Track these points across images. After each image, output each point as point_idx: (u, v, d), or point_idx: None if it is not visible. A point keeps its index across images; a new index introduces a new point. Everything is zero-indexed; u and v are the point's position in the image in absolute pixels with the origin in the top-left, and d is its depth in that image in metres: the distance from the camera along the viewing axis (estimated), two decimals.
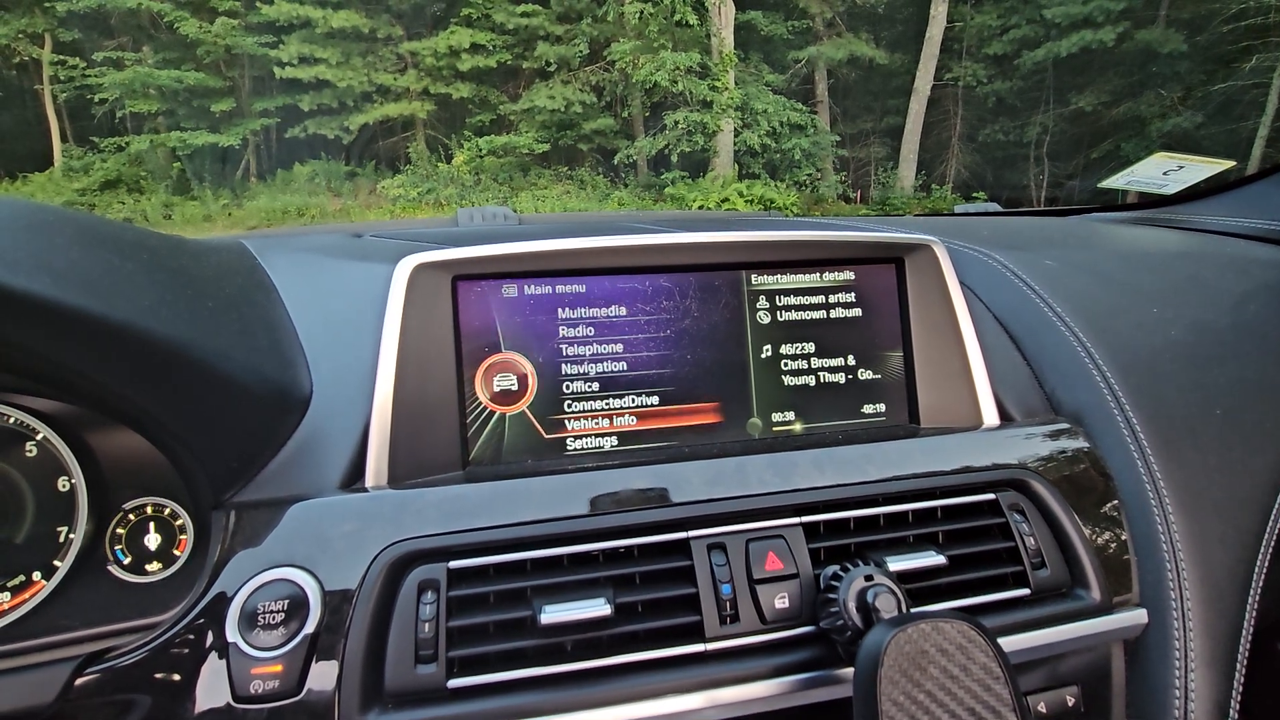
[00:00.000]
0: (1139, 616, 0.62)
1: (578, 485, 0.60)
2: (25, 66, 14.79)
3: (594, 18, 14.42)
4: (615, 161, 14.89)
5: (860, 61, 16.53)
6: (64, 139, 15.04)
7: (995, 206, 1.49)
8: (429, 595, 0.53)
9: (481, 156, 14.42)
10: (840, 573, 0.54)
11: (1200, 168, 1.19)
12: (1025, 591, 0.61)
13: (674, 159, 14.03)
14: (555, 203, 13.59)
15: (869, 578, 0.52)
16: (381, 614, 0.52)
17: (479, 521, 0.56)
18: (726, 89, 13.69)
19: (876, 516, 0.62)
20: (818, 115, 16.00)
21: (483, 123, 15.51)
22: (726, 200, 13.02)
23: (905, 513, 0.63)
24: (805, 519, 0.60)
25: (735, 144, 14.23)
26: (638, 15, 13.03)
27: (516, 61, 15.13)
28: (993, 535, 0.63)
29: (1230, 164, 1.16)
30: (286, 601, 0.51)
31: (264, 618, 0.50)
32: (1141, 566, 0.63)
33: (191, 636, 0.51)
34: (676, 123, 13.64)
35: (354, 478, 0.60)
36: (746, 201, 13.05)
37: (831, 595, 0.53)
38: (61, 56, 14.11)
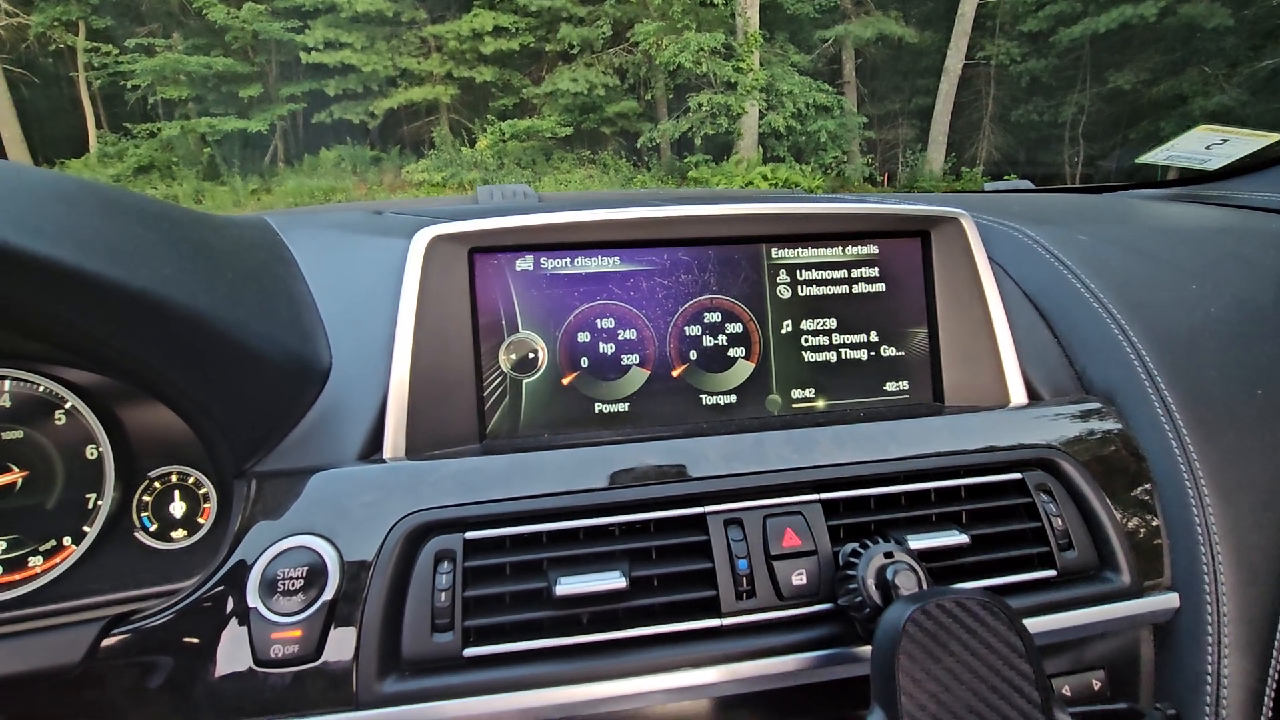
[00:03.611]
0: (1170, 600, 0.60)
1: (594, 459, 0.59)
2: (61, 54, 15.07)
3: None
4: (638, 145, 14.77)
5: (889, 40, 16.12)
6: (99, 125, 15.34)
7: (1027, 184, 1.45)
8: (445, 565, 0.54)
9: (505, 140, 14.40)
10: (859, 550, 0.53)
11: (1245, 141, 1.13)
12: (1051, 573, 0.59)
13: (698, 142, 13.87)
14: (578, 186, 13.56)
15: (889, 555, 0.51)
16: (399, 583, 0.53)
17: (495, 493, 0.56)
18: (751, 70, 13.47)
19: (897, 495, 0.61)
20: (844, 96, 15.66)
21: (506, 106, 15.48)
22: (750, 184, 12.87)
23: (927, 491, 0.61)
24: (824, 496, 0.60)
25: (760, 126, 14.02)
26: None
27: (539, 44, 15.04)
28: (1018, 515, 0.62)
29: (1276, 137, 1.11)
30: (306, 569, 0.51)
31: (284, 584, 0.51)
32: (1174, 550, 0.61)
33: (213, 602, 0.52)
34: (700, 105, 13.48)
35: (372, 449, 0.61)
36: (771, 184, 12.88)
37: (850, 572, 0.52)
38: (95, 44, 14.34)
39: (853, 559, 0.53)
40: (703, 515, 0.58)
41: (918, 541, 0.57)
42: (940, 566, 0.58)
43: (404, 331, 0.62)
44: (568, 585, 0.52)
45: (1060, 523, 0.61)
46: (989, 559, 0.59)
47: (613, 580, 0.53)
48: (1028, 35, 15.47)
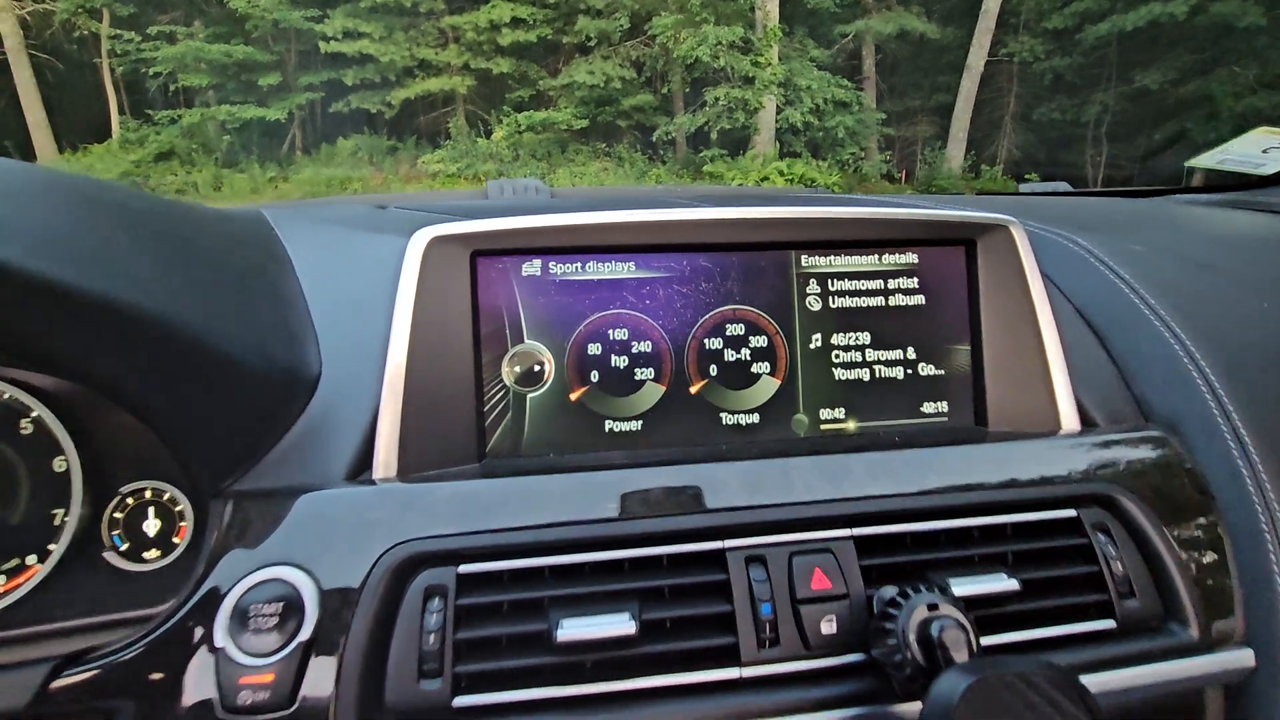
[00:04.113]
0: (1244, 658, 0.53)
1: (603, 485, 0.54)
2: (85, 40, 15.22)
3: None
4: (654, 138, 14.69)
5: (910, 36, 15.91)
6: (121, 111, 15.49)
7: (1064, 186, 1.37)
8: (436, 602, 0.48)
9: (520, 132, 14.38)
10: (899, 598, 0.47)
11: None
12: (1110, 624, 0.53)
13: (714, 136, 13.78)
14: (593, 179, 13.51)
15: (933, 606, 0.45)
16: (384, 621, 0.48)
17: (493, 521, 0.51)
18: (770, 65, 13.34)
19: (938, 532, 0.55)
20: (864, 92, 15.50)
21: (522, 98, 15.47)
22: (766, 179, 12.75)
23: (971, 528, 0.55)
24: (857, 531, 0.54)
25: (777, 121, 13.90)
26: None
27: (557, 36, 15.01)
28: (1073, 558, 0.55)
29: None
30: (281, 605, 0.46)
31: (256, 621, 0.46)
32: (1249, 600, 0.55)
33: (179, 637, 0.47)
34: (717, 99, 13.37)
35: (361, 467, 0.56)
36: (787, 180, 12.76)
37: (888, 625, 0.46)
38: (118, 30, 14.47)
39: (891, 609, 0.47)
40: (722, 550, 0.52)
41: (962, 586, 0.51)
42: (986, 615, 0.52)
43: (398, 340, 0.57)
44: (571, 629, 0.47)
45: (1120, 567, 0.55)
46: (1040, 607, 0.53)
47: (621, 625, 0.48)
48: (1052, 32, 15.21)
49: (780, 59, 13.85)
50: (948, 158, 15.41)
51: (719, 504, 0.54)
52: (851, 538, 0.54)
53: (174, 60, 14.23)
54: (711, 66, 13.17)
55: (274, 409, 0.55)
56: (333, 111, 15.49)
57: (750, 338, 0.64)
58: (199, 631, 0.47)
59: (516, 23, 14.55)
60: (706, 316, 0.63)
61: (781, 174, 13.04)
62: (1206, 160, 1.16)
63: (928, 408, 0.66)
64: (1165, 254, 0.75)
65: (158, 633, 0.47)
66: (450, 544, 0.50)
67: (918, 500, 0.56)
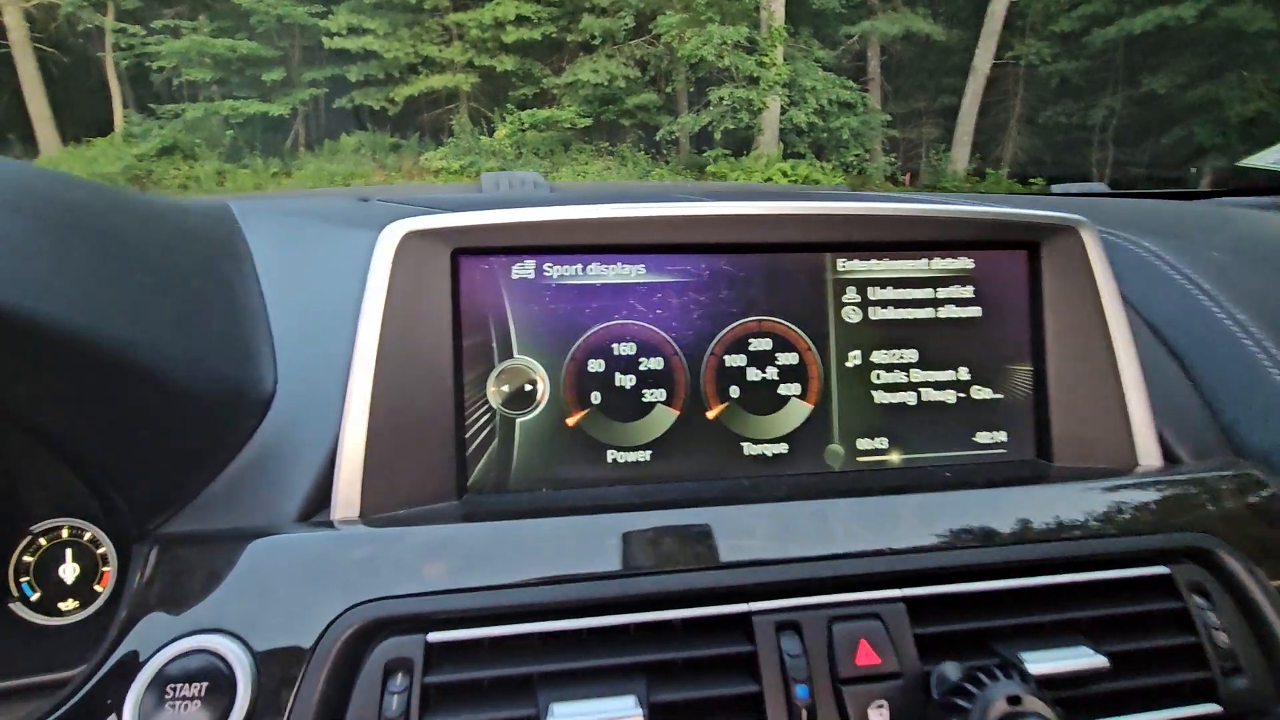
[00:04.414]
0: None
1: (603, 531, 0.45)
2: (89, 34, 15.18)
3: None
4: (657, 138, 14.62)
5: (916, 37, 15.85)
6: (125, 105, 15.44)
7: (1100, 186, 1.28)
8: (399, 679, 0.40)
9: (524, 130, 14.31)
10: (969, 684, 0.38)
11: None
12: (1214, 708, 0.44)
13: (717, 136, 13.70)
14: (596, 178, 13.44)
15: (1014, 699, 0.36)
16: (333, 703, 0.39)
17: (472, 576, 0.42)
18: (774, 65, 13.28)
19: (1005, 593, 0.46)
20: (868, 93, 15.44)
21: (525, 96, 15.43)
22: (769, 179, 12.67)
23: (1043, 588, 0.46)
24: (910, 592, 0.45)
25: (781, 122, 13.83)
26: None
27: (561, 34, 14.96)
28: (1164, 625, 0.46)
29: None
30: (206, 685, 0.37)
31: (176, 704, 0.37)
32: None
33: (86, 713, 0.38)
34: (722, 99, 13.31)
35: (318, 505, 0.47)
36: (790, 181, 12.67)
37: (957, 718, 0.37)
38: (122, 24, 14.43)
39: (960, 699, 0.38)
40: (747, 614, 0.43)
41: (1040, 662, 0.42)
42: (1067, 696, 0.43)
43: (364, 354, 0.48)
44: (564, 716, 0.38)
45: (1224, 638, 0.46)
46: (1128, 687, 0.44)
47: (625, 710, 0.39)
48: (1059, 35, 15.15)
49: (785, 59, 13.79)
50: (952, 160, 15.32)
51: (743, 555, 0.45)
52: (903, 599, 0.45)
53: (178, 54, 14.21)
54: (716, 66, 13.11)
55: (215, 435, 0.46)
56: (336, 107, 15.46)
57: (778, 354, 0.55)
58: (108, 707, 0.38)
59: (521, 20, 14.52)
60: (727, 329, 0.55)
61: (785, 175, 12.97)
62: (1261, 160, 1.07)
63: (983, 438, 0.57)
64: (1245, 262, 0.66)
65: (66, 706, 0.39)
66: (418, 605, 0.41)
67: (979, 554, 0.47)
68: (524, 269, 0.52)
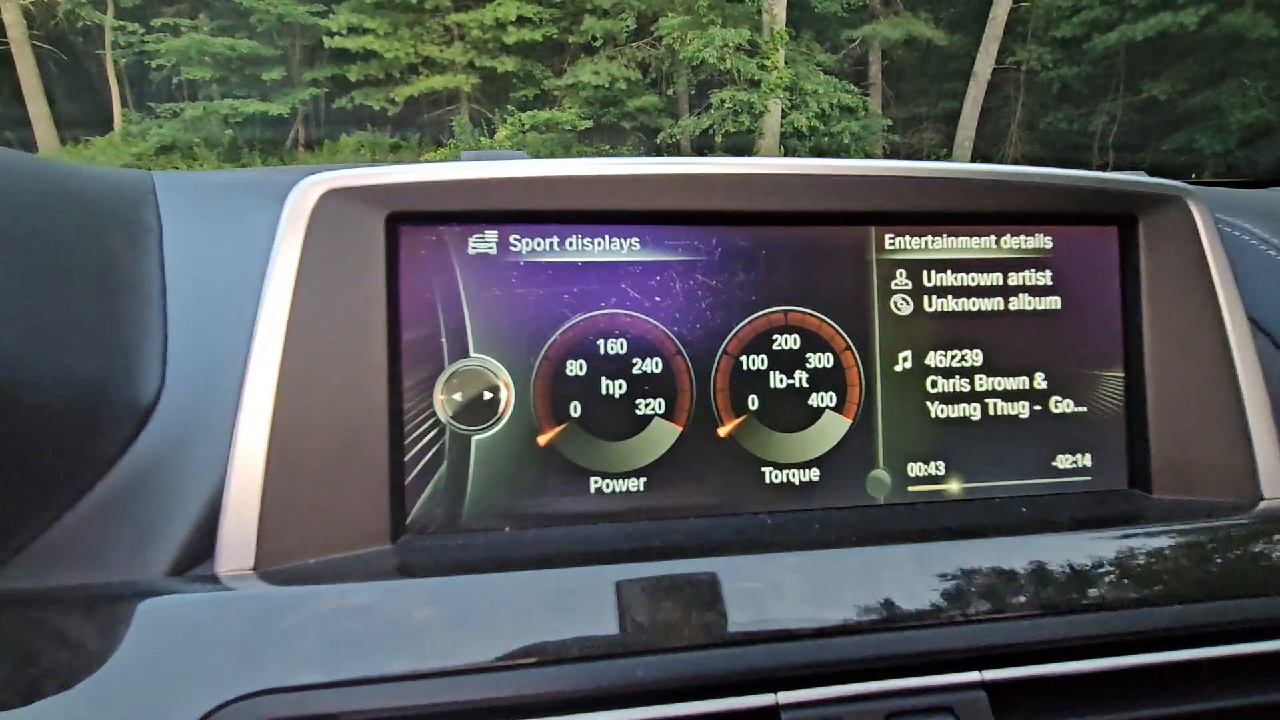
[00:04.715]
0: None
1: (583, 589, 0.33)
2: (89, 31, 15.14)
3: None
4: (658, 140, 14.59)
5: (917, 42, 15.87)
6: (124, 104, 15.40)
7: (1141, 176, 1.17)
8: None
9: (524, 132, 14.27)
10: None
11: None
12: None
13: (718, 139, 13.69)
14: None
15: None
16: None
17: (404, 659, 0.31)
18: (776, 68, 13.26)
19: (1116, 674, 0.34)
20: (870, 98, 15.48)
21: (526, 97, 15.44)
22: None
23: (1163, 668, 0.35)
24: (990, 675, 0.33)
25: (782, 125, 13.83)
26: None
27: (562, 36, 14.99)
28: None
29: None
30: None
31: None
32: None
33: None
34: (723, 101, 13.29)
35: (200, 554, 0.35)
36: None
37: None
38: (122, 22, 14.39)
39: None
40: (774, 708, 0.32)
41: None
42: None
43: (265, 352, 0.36)
44: None
45: None
46: None
47: None
48: (1060, 41, 15.19)
49: (786, 63, 13.80)
50: None
51: (766, 624, 0.33)
52: (982, 685, 0.33)
53: (178, 53, 14.21)
54: (717, 69, 13.11)
55: (62, 459, 0.35)
56: (336, 107, 15.44)
57: (808, 355, 0.43)
58: None
59: (522, 21, 14.54)
60: (744, 323, 0.43)
61: None
62: None
63: (1063, 462, 0.45)
64: None
65: None
66: (326, 701, 0.30)
67: (1075, 622, 0.35)
68: (483, 242, 0.40)
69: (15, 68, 13.76)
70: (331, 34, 14.44)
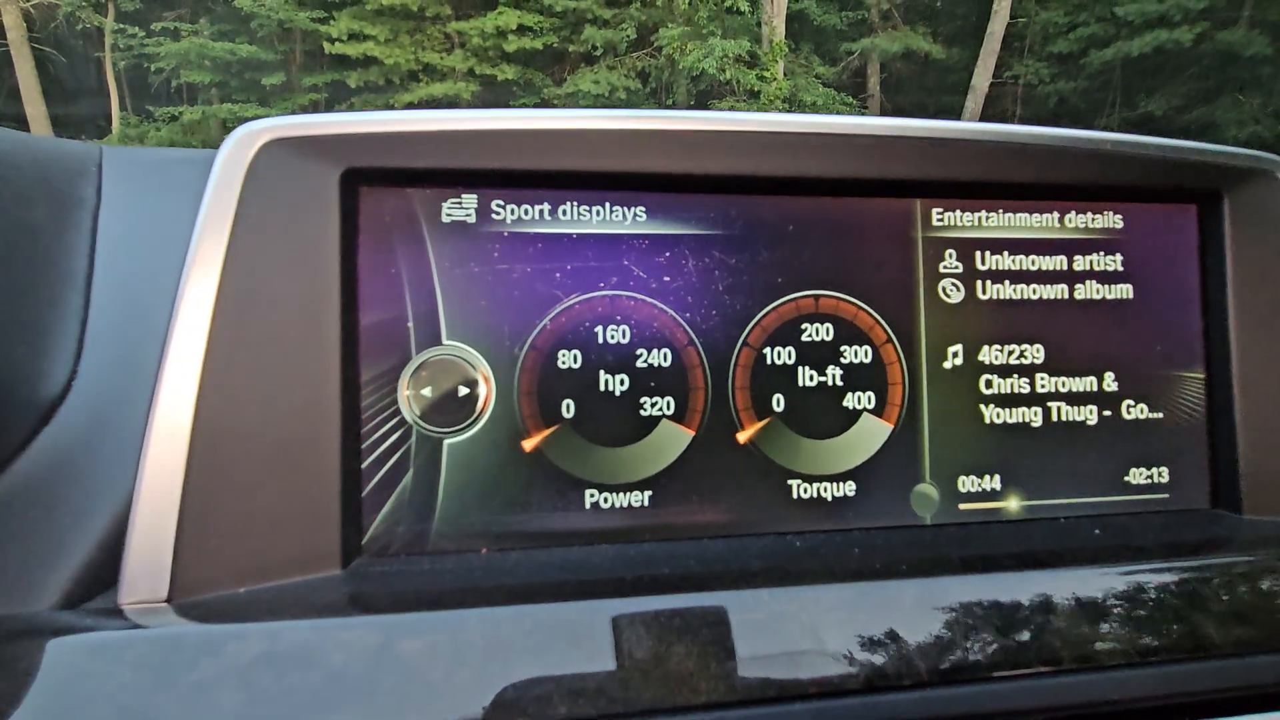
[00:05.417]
0: None
1: (576, 628, 0.27)
2: (88, 35, 15.17)
3: (643, 2, 14.21)
4: None
5: (916, 56, 16.07)
6: (122, 107, 15.41)
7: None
8: None
9: None
10: None
11: None
12: None
13: None
14: None
15: None
16: None
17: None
18: (775, 79, 13.35)
19: None
20: (868, 110, 15.57)
21: (526, 105, 15.52)
22: None
23: None
24: None
25: None
26: (688, 1, 12.79)
27: (563, 45, 15.11)
28: None
29: None
30: None
31: None
32: None
33: None
34: None
35: (102, 582, 0.29)
36: None
37: None
38: (122, 25, 14.43)
39: None
40: None
41: None
42: None
43: (187, 335, 0.30)
44: None
45: None
46: None
47: None
48: (1057, 56, 15.41)
49: (786, 74, 13.90)
50: None
51: (798, 672, 0.27)
52: None
53: (177, 57, 14.27)
54: (717, 79, 13.19)
55: None
56: None
57: (843, 348, 0.37)
58: None
59: (523, 30, 14.65)
60: (769, 309, 0.37)
61: None
62: None
63: (1137, 476, 0.39)
64: None
65: None
66: None
67: (1174, 674, 0.29)
68: (460, 208, 0.34)
69: (14, 69, 13.77)
70: (332, 40, 14.51)
